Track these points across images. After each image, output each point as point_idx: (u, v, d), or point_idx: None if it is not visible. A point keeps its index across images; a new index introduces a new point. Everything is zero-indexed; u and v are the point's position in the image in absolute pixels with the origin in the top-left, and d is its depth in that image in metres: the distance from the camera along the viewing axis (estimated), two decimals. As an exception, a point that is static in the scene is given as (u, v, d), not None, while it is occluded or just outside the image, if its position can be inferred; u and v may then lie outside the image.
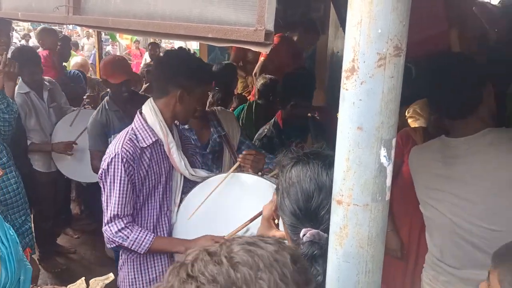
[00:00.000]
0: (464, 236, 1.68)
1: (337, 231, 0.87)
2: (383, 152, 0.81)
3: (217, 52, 5.87)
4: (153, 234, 2.01)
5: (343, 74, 0.82)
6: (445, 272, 1.77)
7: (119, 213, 1.96)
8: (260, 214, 1.76)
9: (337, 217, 0.87)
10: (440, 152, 1.75)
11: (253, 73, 4.56)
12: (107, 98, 3.37)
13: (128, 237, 1.97)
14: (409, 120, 2.80)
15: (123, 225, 1.97)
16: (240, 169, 2.09)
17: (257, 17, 0.97)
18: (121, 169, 1.92)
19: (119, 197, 1.95)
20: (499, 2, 4.21)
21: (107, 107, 3.30)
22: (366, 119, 0.80)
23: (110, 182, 1.94)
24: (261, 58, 4.53)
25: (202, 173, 2.17)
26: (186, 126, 2.51)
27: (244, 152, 2.18)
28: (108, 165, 1.94)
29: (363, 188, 0.83)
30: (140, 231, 2.00)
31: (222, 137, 2.58)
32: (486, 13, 3.66)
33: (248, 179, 2.03)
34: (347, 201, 0.84)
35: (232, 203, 2.03)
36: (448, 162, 1.71)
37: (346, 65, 0.82)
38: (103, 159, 2.02)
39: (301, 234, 1.04)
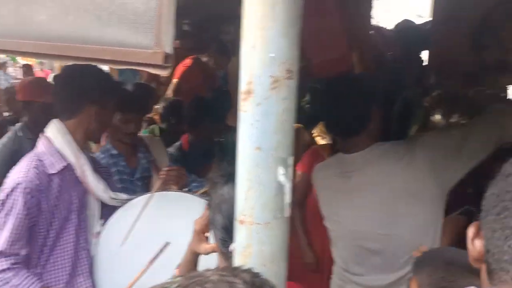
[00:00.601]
0: (363, 244, 1.78)
1: (241, 251, 0.88)
2: (281, 171, 0.84)
3: (128, 72, 5.70)
4: (40, 284, 1.79)
5: (241, 97, 0.85)
6: (350, 280, 1.86)
7: (6, 250, 1.75)
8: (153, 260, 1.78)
9: (241, 237, 0.88)
10: (339, 168, 1.85)
11: (165, 95, 4.50)
12: (21, 124, 3.03)
13: (8, 282, 1.74)
14: (317, 138, 2.94)
15: (7, 266, 1.74)
16: (164, 187, 2.01)
17: (155, 40, 0.96)
18: (21, 202, 1.74)
19: (10, 232, 1.75)
20: (394, 27, 4.61)
21: (21, 134, 2.96)
22: (264, 140, 0.83)
23: (6, 215, 1.76)
24: (174, 80, 4.49)
25: (122, 195, 2.01)
26: (115, 152, 2.39)
27: (166, 168, 2.09)
28: (7, 196, 1.75)
29: (264, 206, 0.84)
30: (26, 278, 1.76)
31: (150, 162, 2.50)
32: (382, 37, 4.00)
33: (175, 196, 1.95)
34: (249, 220, 0.85)
35: (161, 224, 1.91)
36: (346, 176, 1.81)
37: (242, 87, 0.84)
38: (1, 189, 1.82)
39: (230, 248, 1.06)
